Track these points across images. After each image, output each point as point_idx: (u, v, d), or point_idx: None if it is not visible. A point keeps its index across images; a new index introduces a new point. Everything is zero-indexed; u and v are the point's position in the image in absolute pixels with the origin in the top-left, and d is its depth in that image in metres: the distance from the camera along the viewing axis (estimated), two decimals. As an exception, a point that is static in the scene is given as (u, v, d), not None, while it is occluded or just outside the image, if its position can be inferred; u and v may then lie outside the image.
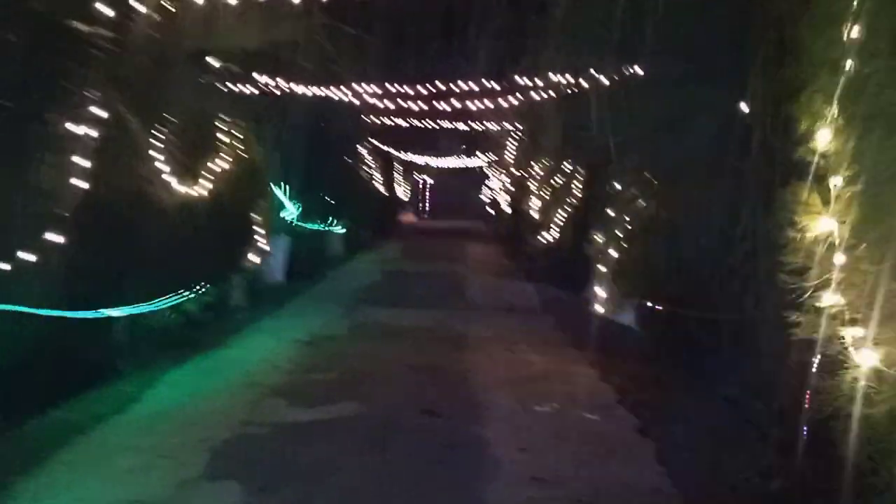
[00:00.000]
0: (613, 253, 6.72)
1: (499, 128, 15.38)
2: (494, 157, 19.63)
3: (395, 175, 26.90)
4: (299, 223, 13.19)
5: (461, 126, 16.08)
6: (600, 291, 7.66)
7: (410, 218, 32.79)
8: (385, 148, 21.17)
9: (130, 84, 4.71)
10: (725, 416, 5.73)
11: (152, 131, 5.27)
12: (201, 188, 6.23)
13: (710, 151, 4.37)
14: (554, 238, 12.85)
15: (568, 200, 12.32)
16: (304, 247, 13.46)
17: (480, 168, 30.83)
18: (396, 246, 19.80)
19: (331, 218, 15.43)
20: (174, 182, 5.87)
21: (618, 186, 6.90)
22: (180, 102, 5.67)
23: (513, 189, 16.17)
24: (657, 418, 5.52)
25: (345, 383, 6.08)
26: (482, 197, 35.15)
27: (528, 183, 14.18)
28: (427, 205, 36.54)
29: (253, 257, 7.83)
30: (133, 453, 4.43)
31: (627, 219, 6.70)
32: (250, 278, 10.13)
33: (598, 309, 9.43)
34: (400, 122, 15.55)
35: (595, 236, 7.11)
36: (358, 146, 17.43)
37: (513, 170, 16.23)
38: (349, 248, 17.02)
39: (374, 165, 20.53)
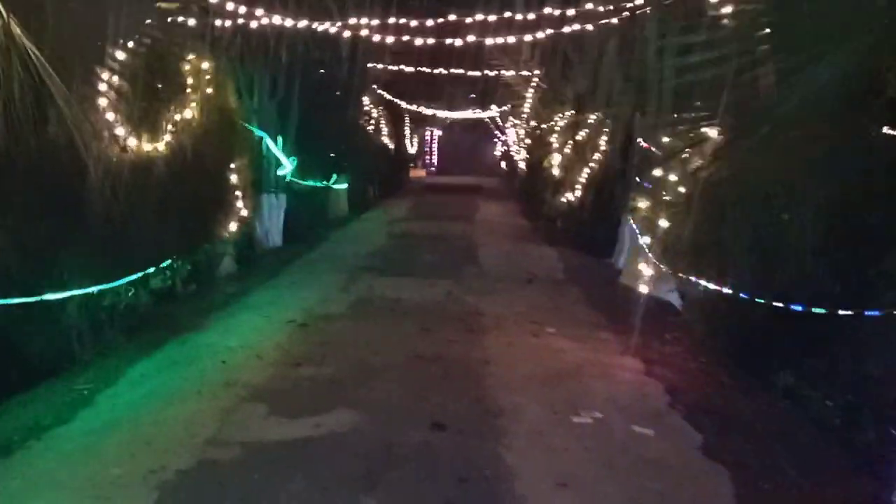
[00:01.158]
0: (663, 222, 5.57)
1: (516, 74, 14.01)
2: (510, 109, 18.24)
3: (403, 128, 25.55)
4: (297, 180, 12.08)
5: (474, 73, 14.69)
6: (641, 264, 6.55)
7: (419, 173, 31.55)
8: (392, 99, 19.81)
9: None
10: (795, 420, 4.77)
11: (87, 72, 4.11)
12: (162, 143, 5.11)
13: (829, 98, 3.19)
14: (576, 198, 11.69)
15: (594, 157, 11.13)
16: (303, 206, 12.40)
17: (493, 120, 29.41)
18: (404, 204, 18.66)
19: (333, 174, 14.30)
20: (126, 135, 4.74)
21: (667, 141, 5.71)
22: (127, 36, 4.50)
23: (530, 143, 14.90)
24: (721, 430, 4.50)
25: (339, 381, 5.05)
26: (495, 152, 33.83)
27: (549, 137, 12.92)
28: (437, 159, 35.18)
29: (232, 224, 6.66)
30: (57, 492, 3.44)
31: (677, 180, 5.52)
32: (241, 244, 9.12)
33: (633, 282, 8.35)
34: (407, 67, 14.20)
35: (638, 201, 5.94)
36: (362, 96, 16.12)
37: (531, 122, 14.93)
38: (353, 206, 15.92)
39: (380, 117, 19.23)
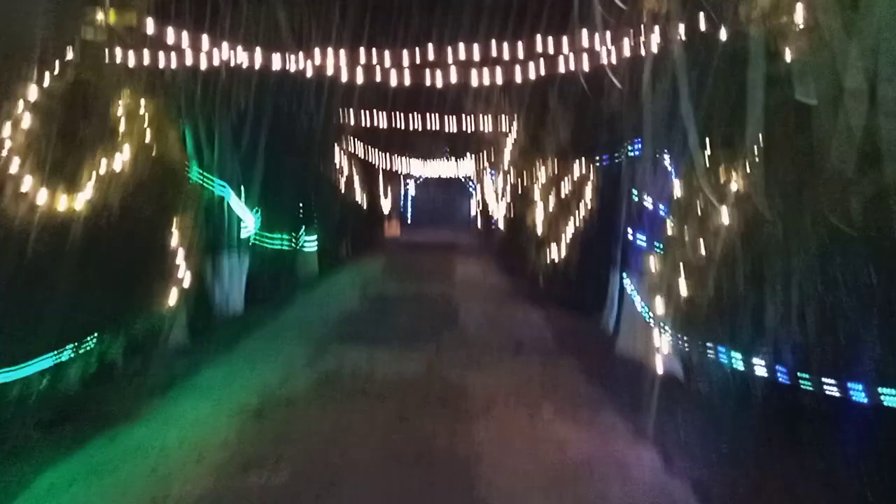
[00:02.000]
0: (680, 286, 4.76)
1: (493, 125, 13.42)
2: (486, 163, 17.68)
3: (377, 184, 24.88)
4: (265, 237, 11.20)
5: (449, 125, 14.13)
6: (653, 335, 5.74)
7: (393, 230, 30.77)
8: (364, 153, 19.17)
9: None
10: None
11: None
12: (82, 199, 4.19)
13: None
14: (561, 255, 10.94)
15: (580, 210, 10.45)
16: (268, 267, 11.47)
17: (467, 176, 28.99)
18: (378, 262, 17.76)
19: (301, 231, 13.42)
20: (34, 190, 3.83)
21: (678, 190, 4.97)
22: (42, 69, 3.67)
23: (509, 198, 14.24)
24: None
25: (296, 496, 4.05)
26: (470, 207, 33.32)
27: (530, 190, 12.24)
28: (411, 215, 34.52)
29: (172, 294, 5.59)
30: None
31: (698, 236, 4.75)
32: (196, 312, 8.16)
33: (631, 351, 7.54)
34: (379, 114, 13.56)
35: (650, 262, 5.14)
36: (331, 146, 15.42)
37: (510, 175, 14.29)
38: (324, 265, 14.98)
39: (352, 172, 18.52)
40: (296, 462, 4.51)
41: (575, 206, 10.54)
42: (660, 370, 6.72)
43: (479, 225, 30.20)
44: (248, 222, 10.34)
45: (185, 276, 5.66)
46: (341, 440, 4.90)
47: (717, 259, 4.38)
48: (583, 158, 10.46)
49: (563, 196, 10.97)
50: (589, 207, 10.26)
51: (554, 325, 9.71)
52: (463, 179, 30.95)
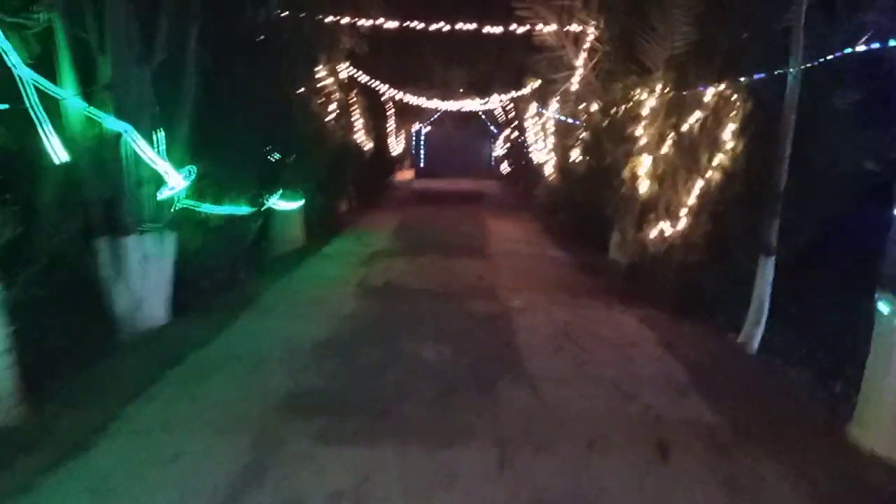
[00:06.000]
0: None
1: (558, 28, 9.03)
2: (532, 91, 13.27)
3: (385, 124, 20.53)
4: (205, 201, 7.17)
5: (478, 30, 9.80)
6: None
7: (406, 176, 26.59)
8: (369, 84, 14.83)
9: None
10: None
11: None
12: None
13: None
14: (677, 228, 6.85)
15: (712, 160, 6.37)
16: (216, 245, 7.47)
17: (492, 113, 24.62)
18: (388, 223, 13.66)
19: (275, 188, 9.35)
20: None
21: None
22: None
23: (578, 138, 9.95)
24: None
25: None
26: (493, 151, 28.98)
27: (619, 127, 7.98)
28: (425, 160, 30.18)
29: None
30: None
31: None
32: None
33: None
34: (386, 28, 9.27)
35: None
36: (320, 69, 11.14)
37: (578, 106, 9.95)
38: (313, 230, 10.97)
39: (351, 106, 14.24)
40: None
41: (706, 153, 6.40)
42: None
43: (502, 172, 25.82)
44: (173, 180, 6.28)
45: None
46: None
47: None
48: (720, 74, 6.30)
49: (681, 136, 6.78)
50: (731, 155, 6.16)
51: (677, 352, 5.74)
52: (484, 118, 26.59)
